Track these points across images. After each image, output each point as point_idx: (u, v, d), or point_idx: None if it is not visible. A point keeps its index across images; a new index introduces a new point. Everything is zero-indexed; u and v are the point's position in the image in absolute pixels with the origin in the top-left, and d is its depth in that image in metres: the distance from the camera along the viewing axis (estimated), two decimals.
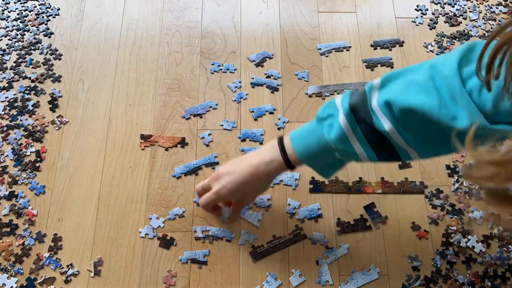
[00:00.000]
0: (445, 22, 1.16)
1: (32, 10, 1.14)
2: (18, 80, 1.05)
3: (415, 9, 1.18)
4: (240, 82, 1.06)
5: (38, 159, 0.96)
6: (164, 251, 0.89)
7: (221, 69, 1.07)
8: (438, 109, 0.63)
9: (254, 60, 1.09)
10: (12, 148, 0.97)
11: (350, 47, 1.12)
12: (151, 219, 0.91)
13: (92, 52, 1.09)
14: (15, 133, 0.99)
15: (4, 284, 0.85)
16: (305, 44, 1.12)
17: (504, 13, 1.18)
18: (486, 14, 1.18)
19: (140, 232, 0.90)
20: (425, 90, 0.65)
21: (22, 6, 1.14)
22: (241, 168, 0.81)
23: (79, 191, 0.94)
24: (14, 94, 1.03)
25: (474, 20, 1.16)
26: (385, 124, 0.68)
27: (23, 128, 0.99)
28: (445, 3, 1.19)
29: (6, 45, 1.09)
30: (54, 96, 1.03)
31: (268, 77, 1.07)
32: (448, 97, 0.62)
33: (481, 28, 1.15)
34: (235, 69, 1.07)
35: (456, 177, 0.97)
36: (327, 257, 0.89)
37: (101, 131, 1.00)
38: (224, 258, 0.89)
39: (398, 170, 0.98)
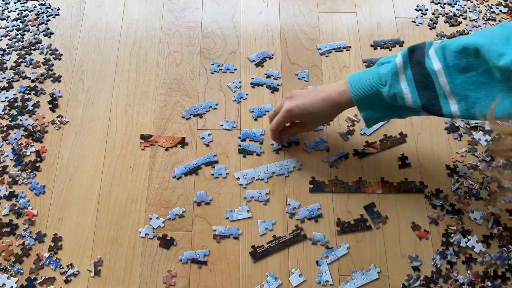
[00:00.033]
0: (445, 22, 1.16)
1: (32, 10, 1.14)
2: (18, 80, 1.05)
3: (415, 9, 1.18)
4: (240, 82, 1.06)
5: (38, 159, 0.96)
6: (164, 251, 0.89)
7: (221, 69, 1.07)
8: (488, 46, 0.69)
9: (254, 60, 1.09)
10: (12, 148, 0.97)
11: (350, 47, 1.12)
12: (151, 219, 0.91)
13: (92, 52, 1.09)
14: (15, 133, 0.99)
15: (4, 284, 0.85)
16: (305, 44, 1.12)
17: (504, 13, 1.18)
18: (486, 14, 1.17)
19: (140, 232, 0.90)
20: (481, 33, 0.73)
21: (22, 6, 1.14)
22: (315, 92, 0.88)
23: (79, 191, 0.94)
24: (14, 94, 1.03)
25: (474, 20, 1.16)
26: (435, 64, 0.75)
27: (23, 128, 0.99)
28: (445, 3, 1.19)
29: (6, 45, 1.09)
30: (54, 96, 1.03)
31: (268, 77, 1.07)
32: (501, 37, 0.68)
33: (481, 28, 1.15)
34: (235, 69, 1.07)
35: (456, 177, 0.97)
36: (327, 257, 0.89)
37: (101, 131, 1.00)
38: (224, 258, 0.89)
39: (398, 170, 0.98)
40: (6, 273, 0.86)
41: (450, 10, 1.18)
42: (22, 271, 0.86)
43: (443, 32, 1.14)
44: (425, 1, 1.19)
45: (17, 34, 1.10)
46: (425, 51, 0.77)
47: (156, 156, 0.98)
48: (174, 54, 1.09)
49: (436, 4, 1.19)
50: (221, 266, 0.88)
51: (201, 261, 0.88)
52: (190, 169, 0.96)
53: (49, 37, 1.10)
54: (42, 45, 1.09)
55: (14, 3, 1.14)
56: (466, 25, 1.16)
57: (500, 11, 1.18)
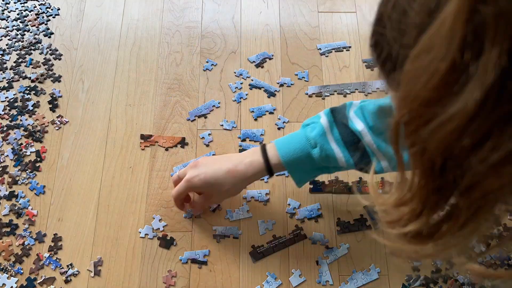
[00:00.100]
0: None
1: (32, 10, 1.14)
2: (18, 80, 1.05)
3: None
4: (241, 83, 1.06)
5: (38, 159, 0.96)
6: (164, 251, 0.89)
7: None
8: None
9: (254, 61, 1.09)
10: (12, 148, 0.97)
11: (350, 47, 1.12)
12: (154, 218, 0.91)
13: (92, 52, 1.09)
14: (15, 133, 0.99)
15: (4, 284, 0.85)
16: (305, 44, 1.12)
17: None
18: None
19: (140, 232, 0.90)
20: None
21: (22, 6, 1.14)
22: (220, 162, 0.82)
23: (79, 191, 0.94)
24: (14, 94, 1.03)
25: None
26: (358, 125, 0.74)
27: (23, 128, 0.99)
28: None
29: (6, 45, 1.09)
30: (54, 96, 1.03)
31: (282, 84, 1.07)
32: None
33: None
34: (247, 76, 1.07)
35: None
36: (327, 257, 0.89)
37: (101, 131, 1.00)
38: (224, 258, 0.89)
39: None
40: (6, 273, 0.86)
41: None
42: (22, 271, 0.86)
43: None
44: None
45: (17, 34, 1.10)
46: (345, 113, 0.77)
47: (156, 156, 0.98)
48: (174, 54, 1.09)
49: None
50: (221, 266, 0.88)
51: (201, 261, 0.88)
52: None
53: (49, 37, 1.10)
54: (42, 45, 1.09)
55: (14, 3, 1.14)
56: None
57: None
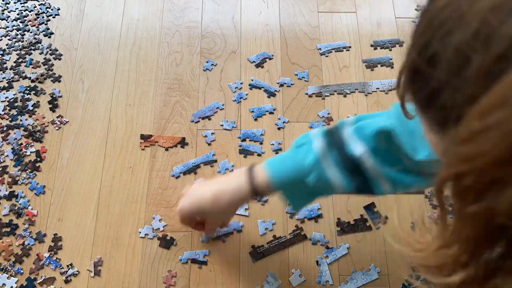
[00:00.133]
0: None
1: (32, 10, 1.14)
2: (18, 80, 1.05)
3: (415, 9, 1.18)
4: (241, 83, 1.06)
5: (38, 159, 0.96)
6: (164, 251, 0.89)
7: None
8: (400, 133, 0.64)
9: (254, 61, 1.09)
10: (12, 148, 0.97)
11: (350, 47, 1.12)
12: (154, 218, 0.91)
13: (92, 52, 1.09)
14: (15, 133, 0.99)
15: (4, 284, 0.85)
16: (305, 44, 1.12)
17: None
18: None
19: (140, 232, 0.90)
20: (387, 115, 0.68)
21: (22, 6, 1.14)
22: (203, 192, 0.79)
23: (79, 191, 0.94)
24: (14, 94, 1.03)
25: None
26: (357, 149, 0.68)
27: (23, 128, 0.99)
28: None
29: (6, 45, 1.09)
30: (54, 96, 1.03)
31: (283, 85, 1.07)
32: (407, 130, 0.62)
33: None
34: (241, 83, 1.07)
35: None
36: (327, 257, 0.89)
37: (101, 131, 1.00)
38: (224, 258, 0.89)
39: None
40: (6, 273, 0.86)
41: None
42: (22, 271, 0.86)
43: None
44: (425, 1, 1.18)
45: (17, 34, 1.10)
46: (341, 136, 0.70)
47: (156, 156, 0.98)
48: (174, 54, 1.09)
49: None
50: (221, 266, 0.88)
51: (201, 261, 0.88)
52: (188, 168, 0.96)
53: (49, 37, 1.10)
54: (42, 45, 1.09)
55: (14, 3, 1.14)
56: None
57: None
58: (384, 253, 0.90)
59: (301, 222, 0.92)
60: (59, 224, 0.91)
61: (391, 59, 1.10)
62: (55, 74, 1.06)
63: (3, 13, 1.13)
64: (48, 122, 1.00)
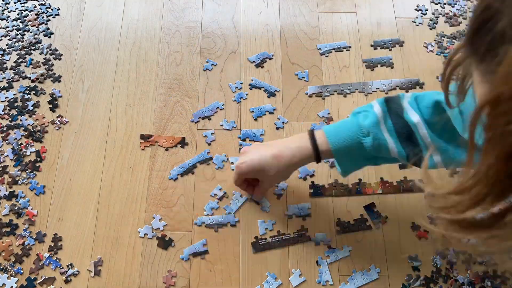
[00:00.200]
0: (445, 22, 1.16)
1: (32, 10, 1.14)
2: (18, 80, 1.05)
3: (415, 9, 1.18)
4: (241, 83, 1.06)
5: (38, 159, 0.96)
6: (164, 251, 0.89)
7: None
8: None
9: (254, 61, 1.09)
10: (12, 148, 0.97)
11: (350, 47, 1.12)
12: (154, 218, 0.91)
13: (92, 52, 1.09)
14: (15, 133, 0.99)
15: (4, 284, 0.85)
16: (305, 44, 1.12)
17: None
18: None
19: (139, 232, 0.90)
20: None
21: (22, 6, 1.14)
22: (265, 148, 0.83)
23: (79, 191, 0.94)
24: (14, 94, 1.03)
25: None
26: (414, 117, 0.73)
27: (23, 128, 0.99)
28: (445, 3, 1.19)
29: (6, 45, 1.09)
30: (54, 96, 1.03)
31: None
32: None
33: None
34: (241, 83, 1.07)
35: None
36: (327, 257, 0.89)
37: (101, 131, 1.00)
38: (224, 258, 0.89)
39: (398, 170, 0.97)
40: (6, 273, 0.86)
41: (450, 10, 1.18)
42: (22, 271, 0.86)
43: (443, 32, 1.14)
44: (425, 1, 1.19)
45: (17, 34, 1.10)
46: (400, 103, 0.76)
47: (156, 156, 0.98)
48: (174, 54, 1.09)
49: (436, 4, 1.19)
50: (221, 266, 0.88)
51: (202, 251, 0.89)
52: (185, 169, 0.96)
53: (49, 37, 1.10)
54: (42, 45, 1.09)
55: (14, 3, 1.14)
56: (466, 25, 1.15)
57: None
58: (384, 253, 0.90)
59: (288, 218, 0.92)
60: (59, 224, 0.91)
61: (391, 59, 1.10)
62: (55, 74, 1.06)
63: (3, 13, 1.13)
64: (48, 122, 1.00)
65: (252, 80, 1.06)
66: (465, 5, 1.19)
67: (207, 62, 1.08)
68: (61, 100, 1.03)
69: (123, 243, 0.90)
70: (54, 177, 0.95)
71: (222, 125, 1.01)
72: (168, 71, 1.07)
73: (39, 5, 1.14)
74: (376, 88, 1.06)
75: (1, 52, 1.08)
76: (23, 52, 1.08)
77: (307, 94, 1.05)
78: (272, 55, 1.10)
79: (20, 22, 1.12)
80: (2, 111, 1.01)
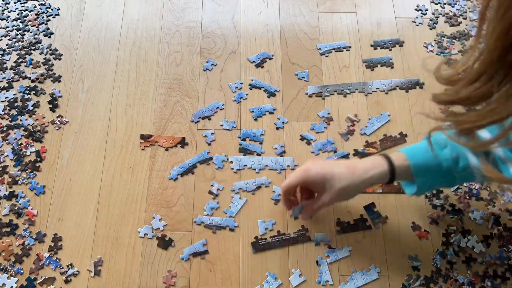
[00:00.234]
0: (445, 22, 1.16)
1: (32, 10, 1.14)
2: (18, 80, 1.05)
3: (415, 9, 1.18)
4: (241, 83, 1.06)
5: (38, 159, 0.96)
6: (164, 251, 0.89)
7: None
8: None
9: (254, 61, 1.09)
10: (12, 148, 0.97)
11: (350, 47, 1.12)
12: (154, 218, 0.91)
13: (92, 52, 1.09)
14: (15, 133, 0.99)
15: (4, 284, 0.85)
16: (305, 44, 1.12)
17: None
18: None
19: (139, 232, 0.90)
20: None
21: (22, 6, 1.14)
22: (339, 161, 0.83)
23: (79, 191, 0.94)
24: (14, 94, 1.03)
25: (474, 20, 1.16)
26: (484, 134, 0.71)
27: (23, 128, 0.99)
28: (445, 3, 1.19)
29: (6, 45, 1.09)
30: (54, 96, 1.03)
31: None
32: None
33: None
34: (241, 83, 1.07)
35: None
36: (327, 257, 0.89)
37: (101, 131, 1.00)
38: (224, 258, 0.89)
39: None
40: (6, 273, 0.86)
41: (450, 10, 1.18)
42: (22, 271, 0.86)
43: (443, 32, 1.14)
44: (425, 1, 1.19)
45: (17, 34, 1.10)
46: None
47: (156, 156, 0.98)
48: (174, 54, 1.09)
49: (436, 4, 1.19)
50: (221, 266, 0.88)
51: (202, 251, 0.88)
52: (185, 169, 0.96)
53: (49, 37, 1.10)
54: (42, 45, 1.09)
55: (14, 3, 1.14)
56: (466, 25, 1.16)
57: None
58: (384, 253, 0.90)
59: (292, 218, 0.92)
60: (59, 224, 0.91)
61: (391, 59, 1.10)
62: (55, 74, 1.06)
63: (3, 13, 1.13)
64: (48, 122, 1.00)
65: (252, 80, 1.06)
66: (465, 5, 1.19)
67: (207, 62, 1.08)
68: (61, 100, 1.03)
69: (123, 243, 0.90)
70: (54, 177, 0.95)
71: (222, 125, 1.01)
72: (168, 71, 1.07)
73: (39, 5, 1.14)
74: (376, 88, 1.06)
75: (1, 52, 1.08)
76: (23, 52, 1.08)
77: (307, 94, 1.05)
78: (272, 55, 1.10)
79: (20, 22, 1.12)
80: (2, 111, 1.01)
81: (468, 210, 0.94)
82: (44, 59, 1.07)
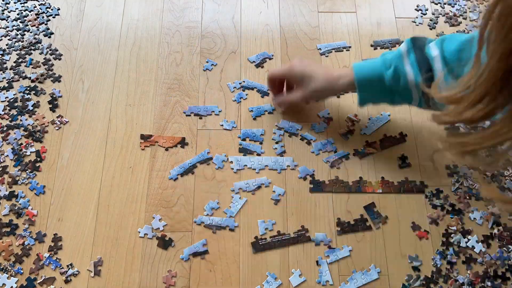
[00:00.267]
0: (445, 22, 1.16)
1: (32, 10, 1.14)
2: (18, 80, 1.05)
3: (415, 9, 1.18)
4: (240, 83, 1.06)
5: (38, 159, 0.96)
6: (164, 251, 0.89)
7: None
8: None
9: (254, 61, 1.09)
10: (12, 148, 0.97)
11: (350, 47, 1.12)
12: (154, 218, 0.91)
13: (92, 52, 1.09)
14: (15, 133, 0.99)
15: (4, 284, 0.85)
16: (305, 44, 1.12)
17: None
18: None
19: (139, 232, 0.90)
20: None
21: (22, 6, 1.14)
22: (321, 65, 1.02)
23: (79, 191, 0.94)
24: (14, 94, 1.03)
25: (474, 20, 1.16)
26: (434, 52, 0.80)
27: (23, 128, 0.99)
28: (445, 3, 1.19)
29: (6, 45, 1.09)
30: (54, 96, 1.03)
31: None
32: None
33: None
34: (240, 83, 1.07)
35: (456, 177, 0.97)
36: (327, 257, 0.89)
37: (101, 131, 1.00)
38: (224, 258, 0.89)
39: (398, 170, 0.97)
40: (6, 273, 0.86)
41: (450, 10, 1.18)
42: (22, 271, 0.86)
43: (443, 32, 1.14)
44: (425, 1, 1.19)
45: (17, 34, 1.10)
46: (425, 41, 0.84)
47: (156, 156, 0.98)
48: (174, 54, 1.09)
49: (436, 4, 1.19)
50: (221, 266, 0.88)
51: (202, 251, 0.88)
52: (185, 169, 0.96)
53: (49, 37, 1.10)
54: (42, 45, 1.09)
55: (14, 3, 1.14)
56: (466, 25, 1.16)
57: None
58: (384, 253, 0.90)
59: (279, 129, 0.92)
60: (59, 224, 0.91)
61: None
62: (55, 74, 1.06)
63: (3, 13, 1.13)
64: (48, 122, 1.00)
65: (244, 81, 1.06)
66: (465, 5, 1.19)
67: (207, 62, 1.08)
68: (61, 100, 1.03)
69: (123, 243, 0.90)
70: (54, 177, 0.95)
71: (222, 125, 1.01)
72: (168, 71, 1.07)
73: (39, 5, 1.14)
74: None
75: (1, 52, 1.08)
76: (23, 52, 1.08)
77: None
78: (272, 55, 1.10)
79: (20, 22, 1.12)
80: (2, 111, 1.01)
81: (468, 210, 0.94)
82: (44, 59, 1.07)
